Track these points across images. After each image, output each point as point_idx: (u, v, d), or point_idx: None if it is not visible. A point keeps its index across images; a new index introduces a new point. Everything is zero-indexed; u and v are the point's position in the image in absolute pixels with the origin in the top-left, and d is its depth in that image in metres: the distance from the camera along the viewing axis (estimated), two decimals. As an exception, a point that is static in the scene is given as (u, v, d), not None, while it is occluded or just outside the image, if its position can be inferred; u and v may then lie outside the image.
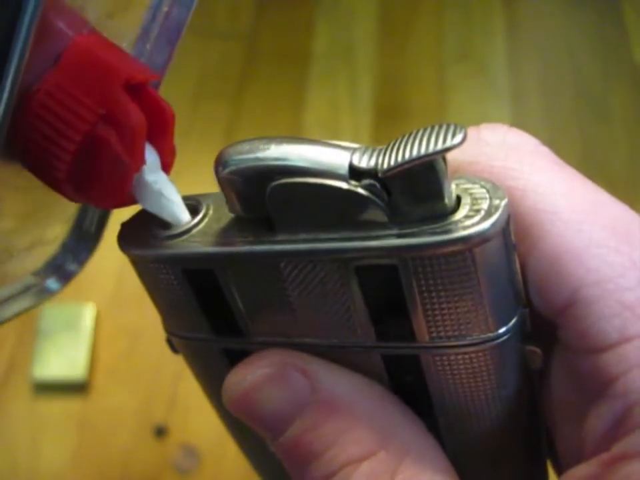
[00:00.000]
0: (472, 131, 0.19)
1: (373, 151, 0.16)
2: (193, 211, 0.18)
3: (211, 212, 0.18)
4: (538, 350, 0.18)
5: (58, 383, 0.77)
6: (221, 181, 0.17)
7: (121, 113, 0.16)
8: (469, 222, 0.15)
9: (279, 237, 0.17)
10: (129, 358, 0.80)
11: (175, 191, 0.18)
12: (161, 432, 0.75)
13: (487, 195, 0.16)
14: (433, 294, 0.16)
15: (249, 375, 0.18)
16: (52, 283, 0.23)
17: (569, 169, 0.18)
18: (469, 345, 0.17)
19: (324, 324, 0.18)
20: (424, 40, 1.10)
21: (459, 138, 0.14)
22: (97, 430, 0.76)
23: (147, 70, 0.18)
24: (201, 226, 0.18)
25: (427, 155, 0.15)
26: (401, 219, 0.16)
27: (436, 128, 0.15)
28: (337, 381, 0.18)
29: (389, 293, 0.16)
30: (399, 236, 0.16)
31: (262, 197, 0.16)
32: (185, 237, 0.18)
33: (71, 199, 0.18)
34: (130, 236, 0.19)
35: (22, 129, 0.16)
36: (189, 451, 0.74)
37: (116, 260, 0.91)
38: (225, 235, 0.18)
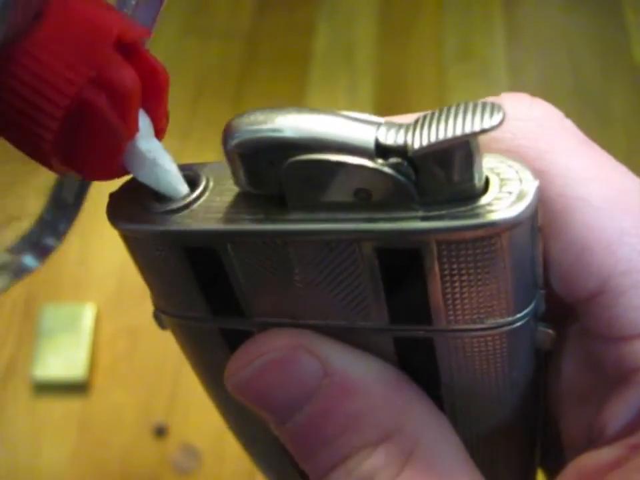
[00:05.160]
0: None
1: (400, 127, 0.15)
2: (191, 182, 0.17)
3: (211, 184, 0.17)
4: (551, 332, 0.17)
5: (58, 382, 0.77)
6: (229, 154, 0.16)
7: (113, 75, 0.15)
8: (499, 205, 0.14)
9: (293, 216, 0.16)
10: (129, 358, 0.80)
11: (170, 160, 0.17)
12: (161, 432, 0.75)
13: (516, 177, 0.15)
14: (455, 278, 0.15)
15: (256, 358, 0.17)
16: (29, 260, 0.21)
17: (597, 148, 0.18)
18: (486, 328, 0.16)
19: (333, 305, 0.17)
20: (424, 40, 1.10)
21: (497, 119, 0.13)
22: (97, 430, 0.76)
23: (139, 27, 0.16)
24: (201, 200, 0.17)
25: (463, 136, 0.14)
26: (427, 199, 0.15)
27: (470, 106, 0.14)
28: (349, 363, 0.17)
29: (408, 275, 0.16)
30: (424, 218, 0.15)
31: (274, 172, 0.15)
32: (185, 212, 0.17)
33: (57, 171, 0.16)
34: (121, 208, 0.17)
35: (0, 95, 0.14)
36: (189, 451, 0.74)
37: (116, 259, 0.92)
38: (230, 211, 0.16)
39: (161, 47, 1.08)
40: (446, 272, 0.15)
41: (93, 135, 0.15)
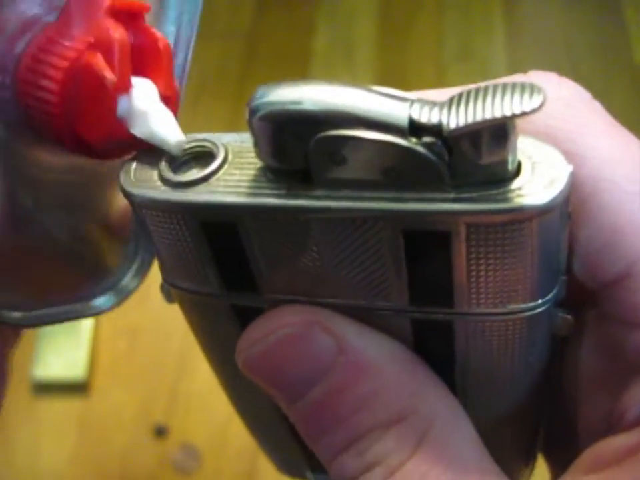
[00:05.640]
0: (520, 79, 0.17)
1: (434, 105, 0.14)
2: (209, 155, 0.17)
3: (230, 157, 0.16)
4: (570, 317, 0.17)
5: (58, 382, 0.77)
6: (254, 125, 0.15)
7: (104, 34, 0.16)
8: (531, 190, 0.14)
9: (317, 192, 0.15)
10: (129, 358, 0.80)
11: (169, 116, 0.17)
12: (160, 432, 0.75)
13: (549, 161, 0.15)
14: (482, 262, 0.15)
15: (270, 333, 0.17)
16: (128, 281, 0.23)
17: (625, 131, 0.18)
18: (508, 313, 0.16)
19: (352, 285, 0.16)
20: (424, 40, 1.10)
21: (537, 101, 0.13)
22: (97, 430, 0.76)
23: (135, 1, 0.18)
24: (220, 173, 0.16)
25: (502, 118, 0.13)
26: (459, 181, 0.14)
27: (509, 86, 0.13)
28: (365, 342, 0.17)
29: (433, 257, 0.15)
30: (455, 200, 0.14)
31: (301, 146, 0.15)
32: (203, 184, 0.16)
33: (68, 141, 0.17)
34: (135, 176, 0.16)
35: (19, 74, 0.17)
36: (189, 451, 0.74)
37: (116, 260, 0.91)
38: (251, 185, 0.16)
39: (160, 47, 1.08)
40: (472, 255, 0.15)
41: (90, 92, 0.17)
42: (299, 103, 0.14)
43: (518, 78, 0.17)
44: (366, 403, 0.16)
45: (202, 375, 0.77)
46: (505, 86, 0.13)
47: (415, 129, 0.14)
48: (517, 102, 0.13)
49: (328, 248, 0.16)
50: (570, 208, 0.16)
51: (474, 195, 0.14)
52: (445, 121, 0.14)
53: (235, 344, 0.18)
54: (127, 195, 0.16)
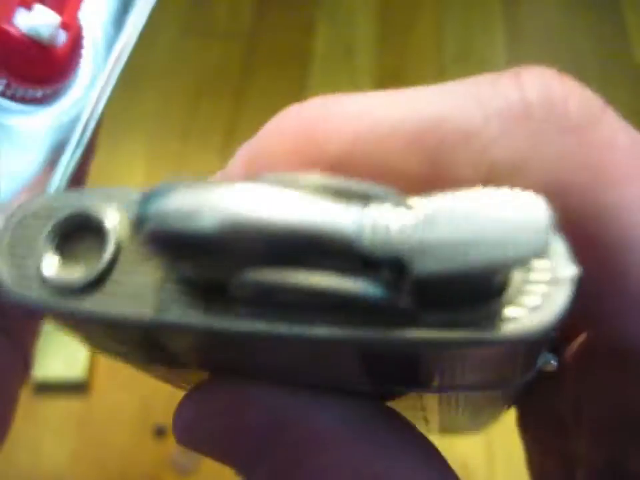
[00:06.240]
0: (514, 98, 0.13)
1: (398, 217, 0.10)
2: (96, 230, 0.12)
3: (123, 242, 0.12)
4: (554, 364, 0.15)
5: (58, 382, 0.77)
6: (145, 240, 0.11)
7: None
8: (512, 317, 0.11)
9: (240, 312, 0.11)
10: (129, 358, 0.80)
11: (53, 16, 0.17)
12: (160, 432, 0.75)
13: (547, 276, 0.11)
14: (453, 373, 0.13)
15: (201, 411, 0.15)
16: None
17: None
18: (481, 393, 0.15)
19: (297, 373, 0.14)
20: (424, 40, 1.10)
21: (543, 243, 0.10)
22: (97, 430, 0.76)
23: None
24: (116, 271, 0.12)
25: (493, 269, 0.10)
26: (424, 305, 0.11)
27: (509, 204, 0.10)
28: (310, 413, 0.14)
29: (397, 365, 0.13)
30: (419, 325, 0.11)
31: (218, 265, 0.11)
32: (99, 290, 0.12)
33: None
34: (13, 273, 0.12)
35: None
36: (189, 451, 0.74)
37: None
38: (159, 297, 0.12)
39: (161, 47, 1.08)
40: (445, 370, 0.13)
41: None
42: (210, 221, 0.10)
43: (506, 78, 0.13)
44: (320, 478, 0.14)
45: (202, 375, 0.77)
46: (503, 200, 0.10)
47: (367, 261, 0.10)
48: (521, 240, 0.10)
49: (267, 358, 0.13)
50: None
51: (442, 318, 0.11)
52: (413, 251, 0.10)
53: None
54: (8, 294, 0.13)
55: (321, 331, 0.11)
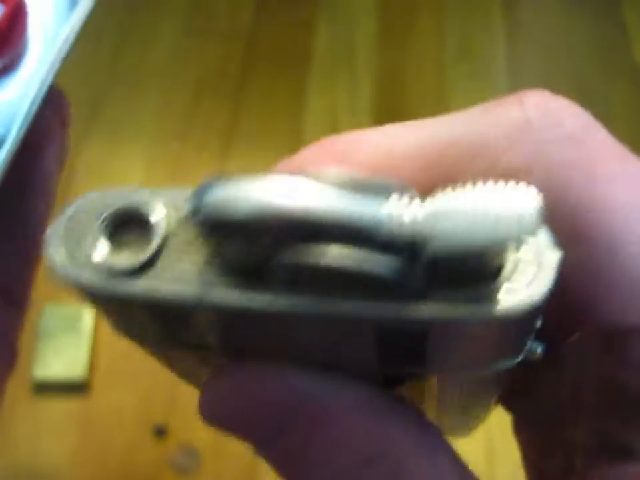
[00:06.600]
0: (518, 115, 0.16)
1: (415, 206, 0.13)
2: (143, 224, 0.14)
3: (170, 232, 0.14)
4: (540, 351, 0.17)
5: (58, 382, 0.77)
6: (198, 226, 0.13)
7: None
8: (509, 293, 0.13)
9: (277, 290, 0.13)
10: (129, 358, 0.80)
11: None
12: (160, 432, 0.75)
13: (534, 247, 0.13)
14: (455, 349, 0.14)
15: (225, 391, 0.17)
16: None
17: (636, 161, 0.16)
18: (477, 371, 0.16)
19: (314, 349, 0.15)
20: (424, 40, 1.10)
21: (530, 224, 0.12)
22: (97, 430, 0.76)
23: None
24: (163, 257, 0.14)
25: (497, 246, 0.12)
26: (434, 283, 0.13)
27: (507, 192, 0.12)
28: (321, 391, 0.16)
29: (408, 343, 0.14)
30: (430, 302, 0.13)
31: (258, 247, 0.13)
32: (147, 272, 0.14)
33: None
34: (67, 249, 0.14)
35: None
36: (189, 451, 0.74)
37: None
38: (201, 279, 0.14)
39: (161, 47, 1.08)
40: (447, 346, 0.14)
41: None
42: (250, 213, 0.12)
43: (510, 101, 0.16)
44: (332, 450, 0.16)
45: (202, 375, 0.77)
46: (500, 192, 0.12)
47: (390, 244, 0.12)
48: (514, 222, 0.12)
49: (288, 337, 0.15)
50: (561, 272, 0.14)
51: (449, 296, 0.13)
52: (426, 236, 0.12)
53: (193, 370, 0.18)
54: (62, 277, 0.14)
55: (346, 306, 0.13)
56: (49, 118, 0.21)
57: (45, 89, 0.20)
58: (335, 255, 0.12)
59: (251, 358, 0.16)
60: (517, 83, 1.03)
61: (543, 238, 0.13)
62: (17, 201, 0.20)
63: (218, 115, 1.00)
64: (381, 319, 0.13)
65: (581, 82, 1.03)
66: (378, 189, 0.13)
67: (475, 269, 0.13)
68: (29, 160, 0.21)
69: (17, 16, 0.19)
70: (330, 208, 0.12)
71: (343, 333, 0.14)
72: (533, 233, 0.12)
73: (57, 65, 0.20)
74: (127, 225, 0.14)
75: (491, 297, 0.13)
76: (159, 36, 1.09)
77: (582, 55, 1.07)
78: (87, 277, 0.14)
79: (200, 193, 0.13)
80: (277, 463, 0.17)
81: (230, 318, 0.14)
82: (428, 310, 0.13)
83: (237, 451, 0.72)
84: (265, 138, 0.96)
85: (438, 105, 1.01)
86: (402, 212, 0.12)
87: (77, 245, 0.14)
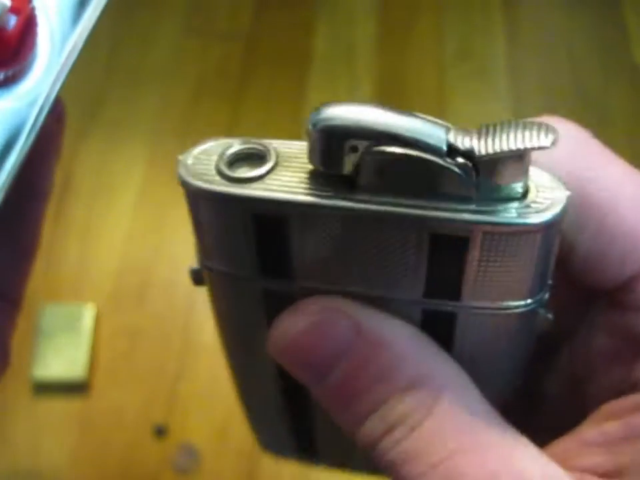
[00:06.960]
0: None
1: (466, 133, 0.17)
2: (260, 156, 0.19)
3: (281, 160, 0.19)
4: (550, 317, 0.20)
5: (58, 382, 0.77)
6: (313, 133, 0.17)
7: None
8: (537, 209, 0.18)
9: (362, 196, 0.18)
10: (129, 358, 0.80)
11: None
12: (160, 432, 0.75)
13: (551, 186, 0.18)
14: (490, 264, 0.18)
15: (297, 323, 0.20)
16: None
17: (624, 161, 0.21)
18: (503, 308, 0.19)
19: (377, 277, 0.19)
20: (424, 40, 1.10)
21: (550, 139, 0.16)
22: (97, 430, 0.76)
23: None
24: (273, 174, 0.19)
25: (522, 150, 0.16)
26: (480, 196, 0.18)
27: (529, 124, 0.17)
28: (379, 323, 0.20)
29: (451, 258, 0.18)
30: (476, 212, 0.17)
31: (351, 157, 0.17)
32: (259, 181, 0.18)
33: None
34: (193, 168, 0.19)
35: None
36: (189, 451, 0.74)
37: (115, 260, 0.92)
38: (302, 187, 0.18)
39: (160, 47, 1.08)
40: (484, 258, 0.18)
41: None
42: (360, 120, 0.17)
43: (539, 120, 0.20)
44: (384, 374, 0.19)
45: (202, 376, 0.77)
46: (525, 124, 0.17)
47: (451, 151, 0.17)
48: (534, 137, 0.16)
49: (362, 245, 0.19)
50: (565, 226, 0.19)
51: (491, 209, 0.17)
52: (475, 148, 0.17)
53: (257, 326, 0.22)
54: (185, 184, 0.19)
55: (413, 211, 0.18)
56: (49, 122, 0.21)
57: (52, 96, 0.20)
58: (412, 154, 0.17)
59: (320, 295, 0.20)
60: (517, 83, 1.03)
61: (557, 180, 0.18)
62: (15, 203, 0.21)
63: (218, 114, 1.00)
64: (439, 219, 0.17)
65: (581, 82, 1.03)
66: (442, 124, 0.17)
67: (511, 185, 0.17)
68: (29, 163, 0.21)
69: (29, 26, 0.19)
70: (409, 122, 0.17)
71: (402, 246, 0.18)
72: (551, 145, 0.16)
73: (64, 73, 0.20)
74: (246, 158, 0.19)
75: (522, 209, 0.17)
76: (158, 36, 1.09)
77: (582, 55, 1.07)
78: (215, 184, 0.18)
79: (318, 111, 0.17)
80: (331, 392, 0.20)
81: (320, 229, 0.18)
82: (474, 214, 0.17)
83: (237, 450, 0.73)
84: (264, 138, 0.95)
85: (438, 105, 1.01)
86: (460, 134, 0.17)
87: (206, 166, 0.19)
